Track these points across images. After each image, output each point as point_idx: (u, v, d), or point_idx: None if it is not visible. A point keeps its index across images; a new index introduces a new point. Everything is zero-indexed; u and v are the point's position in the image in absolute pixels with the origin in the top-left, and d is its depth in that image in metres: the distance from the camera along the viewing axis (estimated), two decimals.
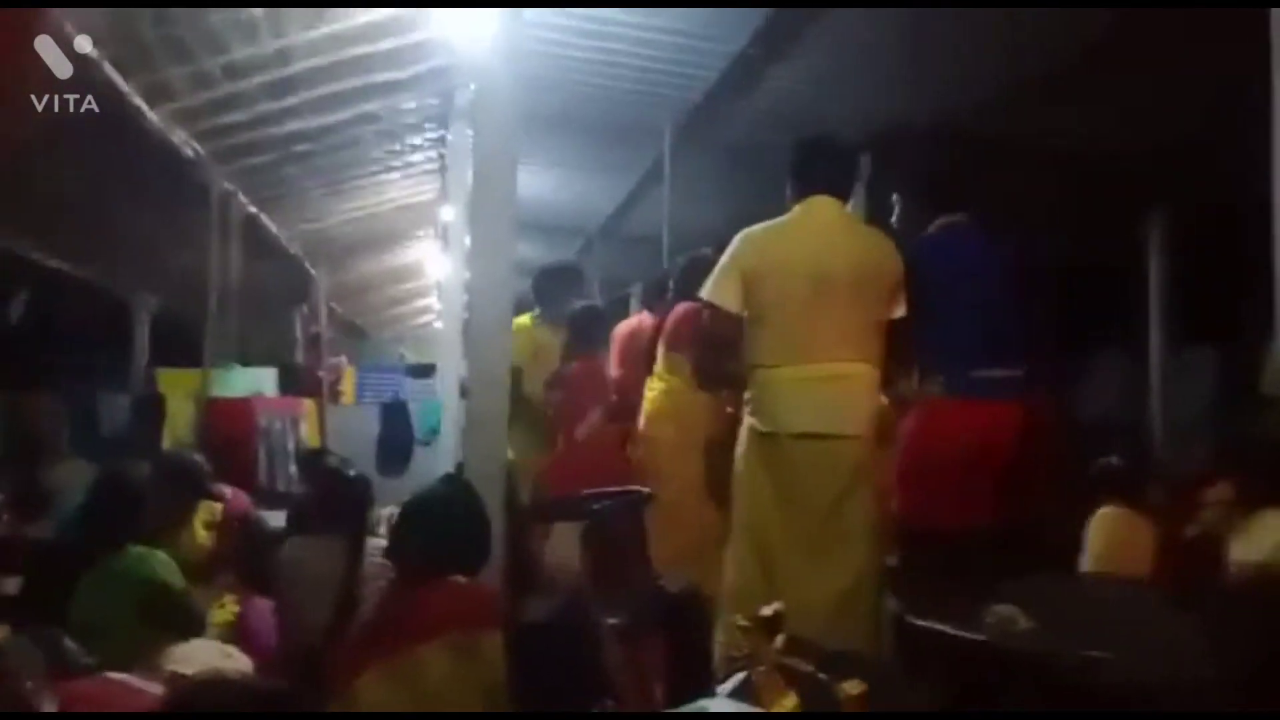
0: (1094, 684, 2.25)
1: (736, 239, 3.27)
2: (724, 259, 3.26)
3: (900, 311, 3.27)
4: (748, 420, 3.23)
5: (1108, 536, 3.43)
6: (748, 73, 5.63)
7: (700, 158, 6.72)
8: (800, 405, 3.13)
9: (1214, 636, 2.41)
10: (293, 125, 5.72)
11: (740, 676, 2.42)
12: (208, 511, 4.20)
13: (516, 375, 4.41)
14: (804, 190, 3.28)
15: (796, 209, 3.29)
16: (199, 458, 4.47)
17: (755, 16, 5.02)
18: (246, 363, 7.51)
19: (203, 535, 4.12)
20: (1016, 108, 5.45)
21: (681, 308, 4.21)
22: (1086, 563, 3.44)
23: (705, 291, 3.26)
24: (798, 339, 3.15)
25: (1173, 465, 4.63)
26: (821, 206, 3.25)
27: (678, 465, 3.94)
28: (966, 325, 3.23)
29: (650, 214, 7.50)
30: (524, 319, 4.95)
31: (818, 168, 3.30)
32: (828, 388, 3.13)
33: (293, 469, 6.20)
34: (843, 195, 3.32)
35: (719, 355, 3.32)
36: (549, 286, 5.28)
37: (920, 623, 2.55)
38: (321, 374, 7.97)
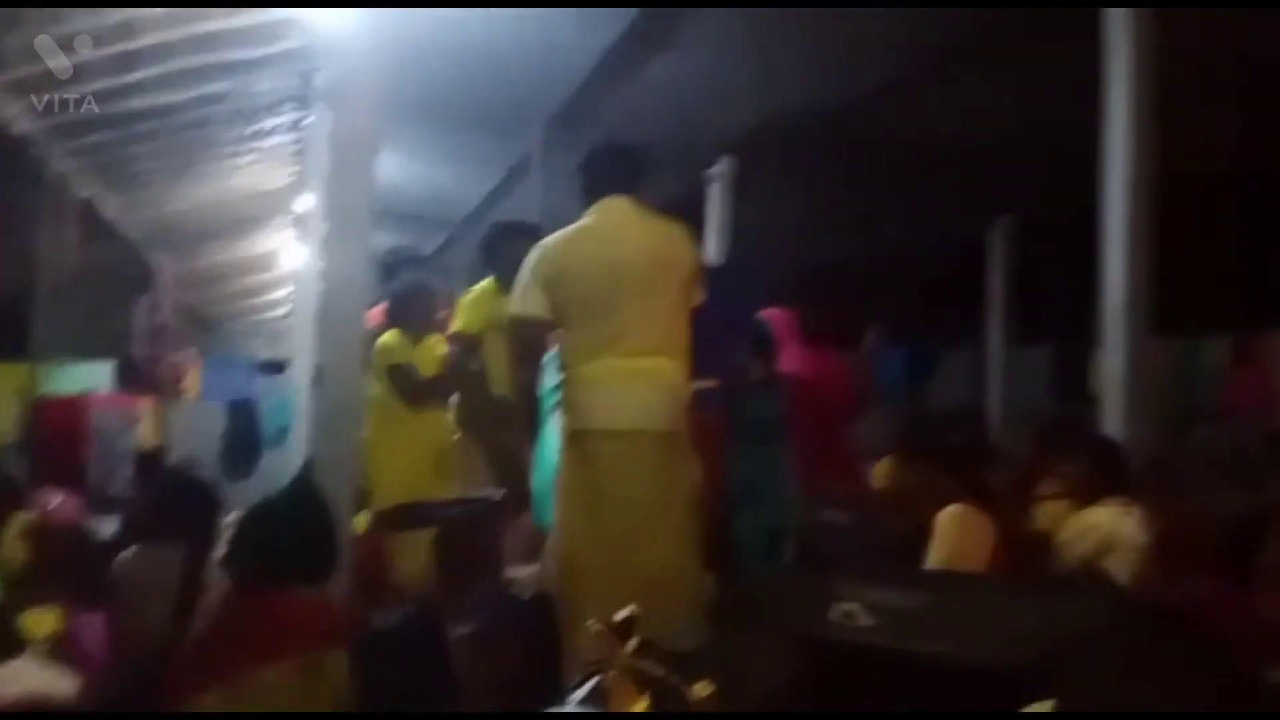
0: (934, 674, 2.33)
1: (533, 251, 3.34)
2: (523, 272, 3.32)
3: (697, 299, 3.37)
4: (560, 420, 3.28)
5: (952, 533, 3.55)
6: (619, 67, 5.62)
7: (570, 150, 6.68)
8: (602, 401, 3.18)
9: (1046, 625, 2.54)
10: (135, 103, 5.40)
11: (593, 682, 2.41)
12: (21, 520, 3.91)
13: (474, 345, 4.29)
14: (595, 194, 3.38)
15: (589, 213, 3.38)
16: (16, 461, 4.15)
17: (628, 11, 5.03)
18: (80, 357, 7.06)
19: (18, 547, 3.83)
20: (872, 105, 5.65)
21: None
22: (933, 559, 3.56)
23: (512, 306, 3.34)
24: (597, 336, 3.21)
25: (1010, 462, 4.84)
26: (613, 206, 3.35)
27: None
28: None
29: (518, 207, 7.41)
30: (487, 283, 4.53)
31: (604, 171, 3.40)
32: (627, 383, 3.18)
33: (129, 472, 5.86)
34: (633, 193, 3.39)
35: (525, 365, 3.40)
36: (507, 247, 4.59)
37: (767, 619, 2.59)
38: (163, 369, 7.57)
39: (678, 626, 2.88)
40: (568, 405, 3.25)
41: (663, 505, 3.17)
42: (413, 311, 4.61)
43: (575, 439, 3.21)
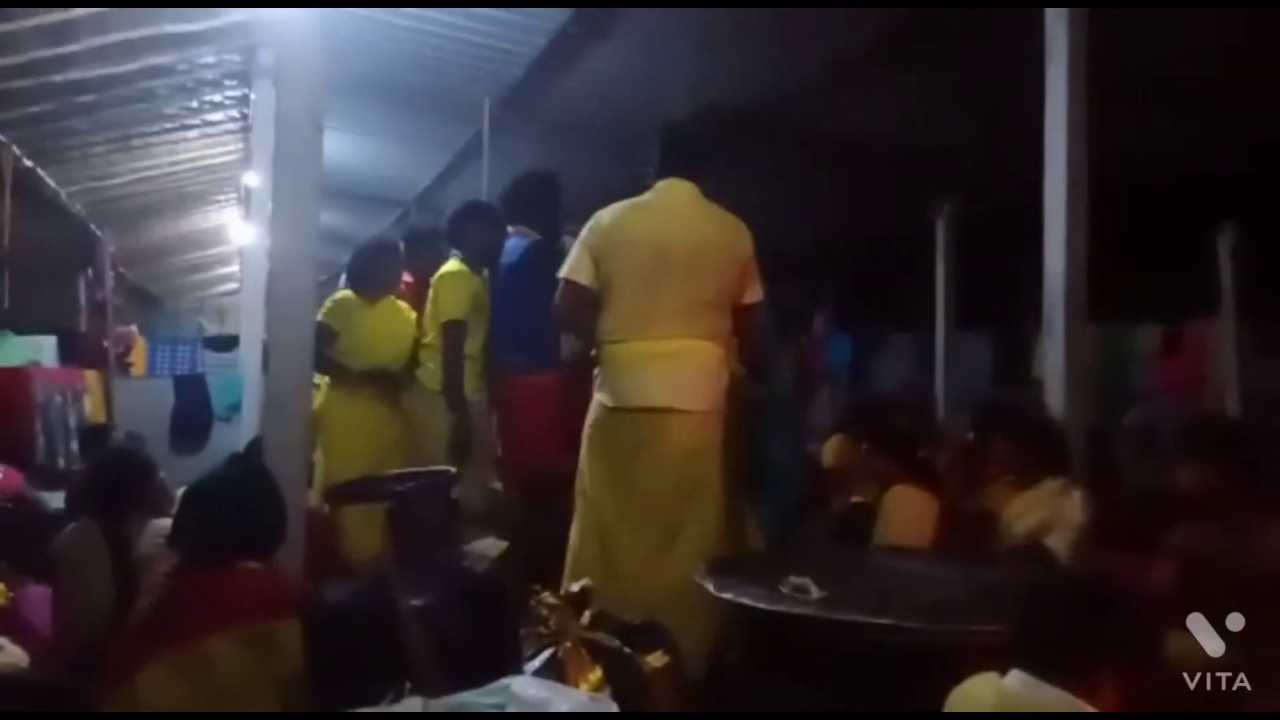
0: (881, 644, 2.40)
1: (593, 218, 3.38)
2: (579, 239, 3.36)
3: (750, 297, 3.40)
4: (595, 395, 3.32)
5: (897, 512, 3.65)
6: (568, 50, 5.61)
7: (520, 133, 6.66)
8: (639, 379, 3.23)
9: (987, 598, 2.63)
10: (74, 74, 5.25)
11: (548, 653, 2.45)
12: None
13: (461, 330, 4.22)
14: (662, 172, 3.41)
15: (652, 191, 3.41)
16: None
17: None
18: (21, 330, 6.90)
19: None
20: (817, 96, 5.71)
21: None
22: (878, 536, 3.65)
23: (563, 270, 3.36)
24: (637, 314, 3.25)
25: (954, 443, 4.96)
26: (674, 188, 3.38)
27: None
28: None
29: (468, 188, 7.37)
30: (454, 264, 4.41)
31: (678, 150, 3.42)
32: (665, 363, 3.23)
33: (74, 446, 5.76)
34: (696, 179, 3.42)
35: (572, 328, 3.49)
36: (473, 227, 4.52)
37: (722, 595, 2.65)
38: (107, 344, 7.42)
39: (703, 608, 2.91)
40: (603, 381, 3.30)
41: (692, 485, 3.21)
42: (374, 272, 4.55)
43: (608, 413, 3.25)
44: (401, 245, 4.85)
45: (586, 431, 3.33)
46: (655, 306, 3.24)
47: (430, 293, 4.39)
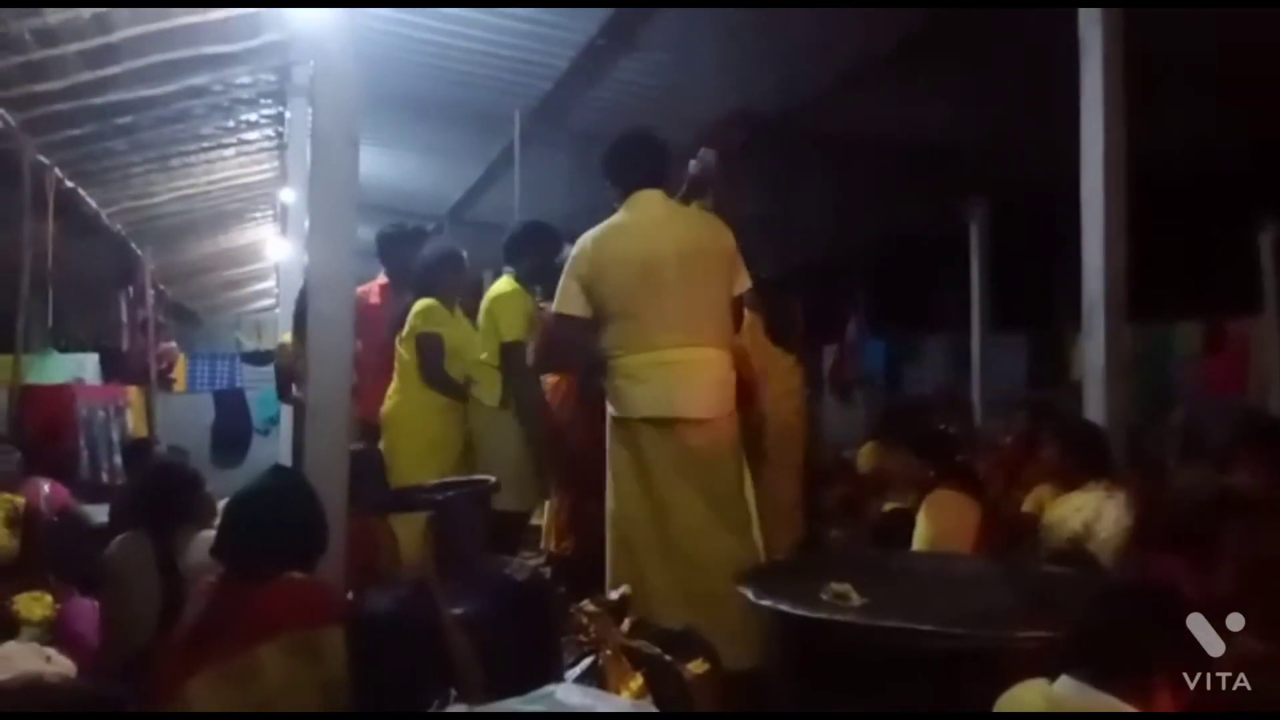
0: (923, 651, 2.38)
1: (573, 250, 3.40)
2: (564, 272, 3.38)
3: (741, 287, 3.43)
4: (609, 410, 3.34)
5: (936, 516, 3.61)
6: (597, 62, 5.64)
7: (550, 145, 6.70)
8: (645, 391, 3.24)
9: (1031, 603, 2.60)
10: (114, 96, 5.37)
11: (588, 661, 2.46)
12: (7, 507, 3.92)
13: (523, 351, 4.16)
14: (627, 187, 3.41)
15: (622, 208, 3.42)
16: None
17: (602, 9, 5.04)
18: (65, 348, 7.03)
19: (4, 533, 3.84)
20: (847, 99, 5.69)
21: None
22: (918, 542, 3.62)
23: (555, 304, 3.39)
24: (639, 328, 3.27)
25: (992, 446, 4.91)
26: (646, 200, 3.39)
27: None
28: None
29: (500, 200, 7.42)
30: (509, 284, 4.33)
31: (636, 164, 3.43)
32: (670, 373, 3.23)
33: (117, 460, 5.85)
34: (663, 185, 3.44)
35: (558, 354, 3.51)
36: (527, 244, 4.45)
37: (762, 602, 2.63)
38: (149, 360, 7.54)
39: (731, 611, 2.90)
40: (614, 394, 3.31)
41: (711, 489, 3.23)
42: (448, 278, 4.48)
43: (622, 426, 3.28)
44: (379, 244, 4.89)
45: (608, 446, 3.35)
46: (656, 319, 3.26)
47: (485, 311, 4.33)
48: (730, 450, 3.30)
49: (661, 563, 3.18)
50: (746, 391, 3.57)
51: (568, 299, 3.34)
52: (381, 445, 4.25)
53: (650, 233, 3.33)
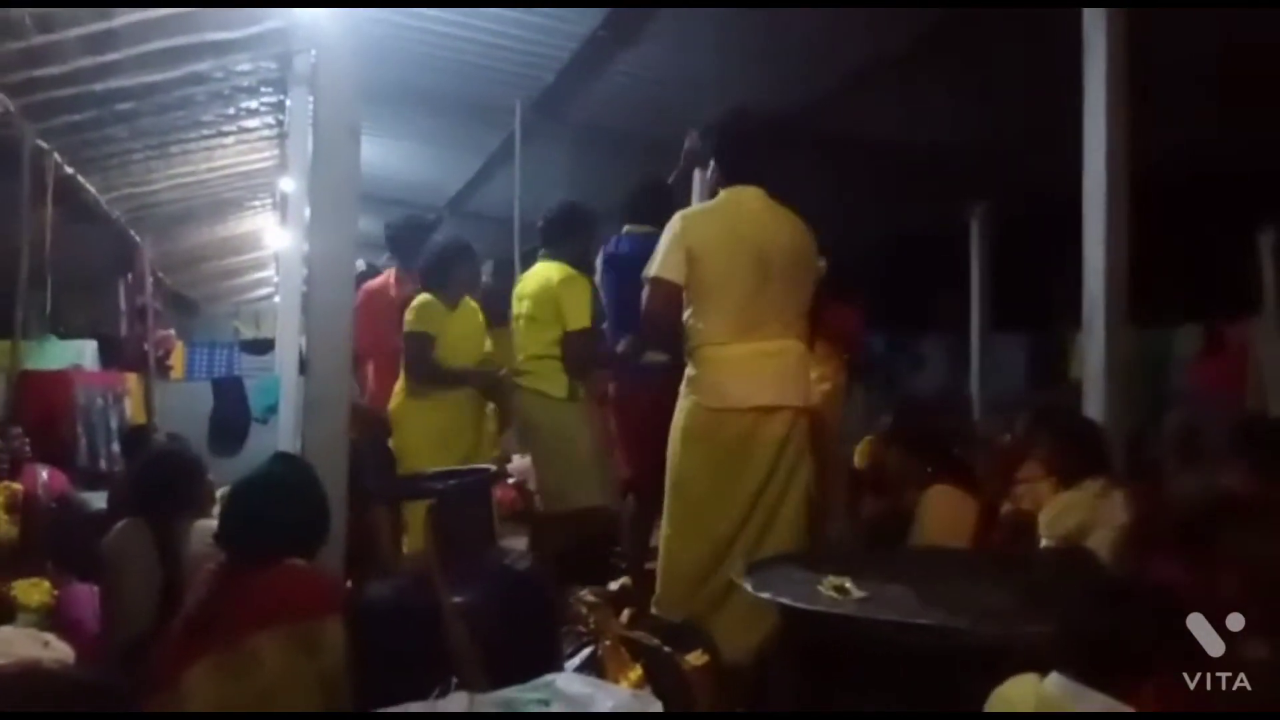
0: (921, 645, 2.39)
1: (677, 219, 3.42)
2: (667, 237, 3.38)
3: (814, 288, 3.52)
4: (691, 397, 3.35)
5: (935, 512, 3.63)
6: (599, 54, 5.63)
7: (551, 137, 6.69)
8: (748, 380, 3.29)
9: (1028, 599, 2.61)
10: (114, 82, 5.34)
11: (587, 651, 2.47)
12: (6, 493, 3.91)
13: (593, 339, 4.13)
14: (732, 178, 3.47)
15: (725, 194, 3.47)
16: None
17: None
18: (63, 335, 7.02)
19: (3, 519, 3.84)
20: (849, 98, 5.69)
21: None
22: (916, 537, 3.63)
23: (653, 269, 3.38)
24: (743, 317, 3.31)
25: (991, 444, 4.93)
26: (749, 194, 3.44)
27: None
28: None
29: (501, 191, 7.42)
30: (567, 269, 4.22)
31: (750, 154, 3.50)
32: (772, 363, 3.31)
33: (115, 447, 5.84)
34: (763, 184, 3.48)
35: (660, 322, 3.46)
36: (570, 228, 4.38)
37: (760, 594, 2.64)
38: (147, 347, 7.53)
39: None
40: (702, 383, 3.33)
41: (787, 474, 3.31)
42: (455, 273, 4.38)
43: (710, 414, 3.30)
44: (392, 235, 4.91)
45: (681, 433, 3.36)
46: (760, 309, 3.32)
47: (541, 299, 4.21)
48: (807, 437, 3.39)
49: (735, 543, 3.22)
50: None
51: (670, 265, 3.33)
52: (393, 442, 4.24)
53: (761, 223, 3.39)
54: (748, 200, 3.44)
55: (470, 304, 4.51)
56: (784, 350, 3.35)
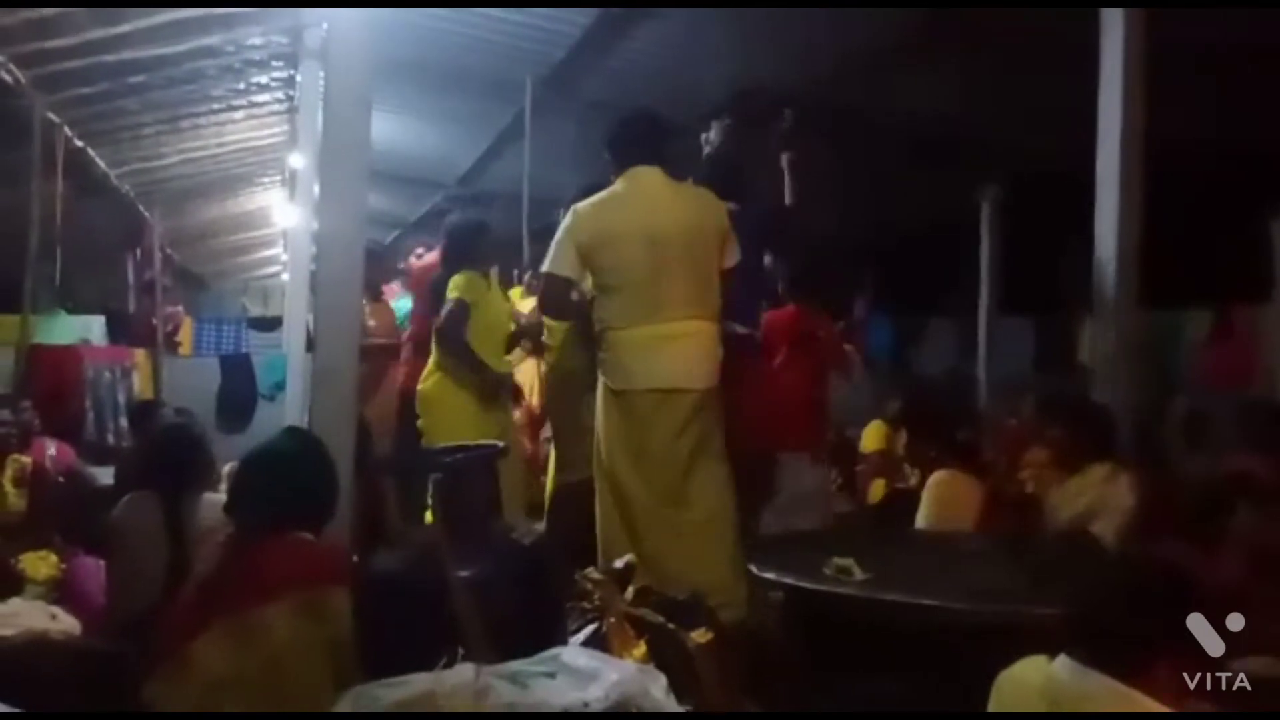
0: (925, 625, 2.40)
1: (570, 213, 3.46)
2: (560, 233, 3.43)
3: (730, 260, 3.52)
4: (601, 380, 3.42)
5: (940, 495, 3.63)
6: (610, 30, 5.60)
7: (562, 113, 6.66)
8: (649, 363, 3.33)
9: (1032, 581, 2.61)
10: (125, 54, 5.32)
11: (591, 628, 2.47)
12: (15, 467, 3.93)
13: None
14: (625, 162, 3.49)
15: (621, 180, 3.48)
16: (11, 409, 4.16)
17: None
18: (72, 309, 7.04)
19: (12, 493, 3.86)
20: (860, 79, 5.65)
21: None
22: (921, 521, 3.63)
23: (546, 264, 3.45)
24: (642, 301, 3.35)
25: (998, 427, 4.92)
26: (644, 175, 3.46)
27: None
28: None
29: (510, 168, 7.39)
30: None
31: (635, 140, 3.50)
32: (673, 345, 3.34)
33: (123, 422, 5.87)
34: (661, 162, 3.50)
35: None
36: None
37: (765, 574, 2.65)
38: (155, 323, 7.55)
39: (720, 577, 3.14)
40: (610, 366, 3.40)
41: (703, 457, 3.35)
42: (483, 250, 4.48)
43: (618, 397, 3.36)
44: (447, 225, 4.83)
45: (598, 417, 3.43)
46: (659, 293, 3.34)
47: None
48: (718, 418, 3.43)
49: (657, 527, 3.28)
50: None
51: (561, 261, 3.41)
52: (420, 424, 4.25)
53: (653, 207, 3.41)
54: (643, 182, 3.45)
55: (494, 283, 4.60)
56: (686, 332, 3.36)
